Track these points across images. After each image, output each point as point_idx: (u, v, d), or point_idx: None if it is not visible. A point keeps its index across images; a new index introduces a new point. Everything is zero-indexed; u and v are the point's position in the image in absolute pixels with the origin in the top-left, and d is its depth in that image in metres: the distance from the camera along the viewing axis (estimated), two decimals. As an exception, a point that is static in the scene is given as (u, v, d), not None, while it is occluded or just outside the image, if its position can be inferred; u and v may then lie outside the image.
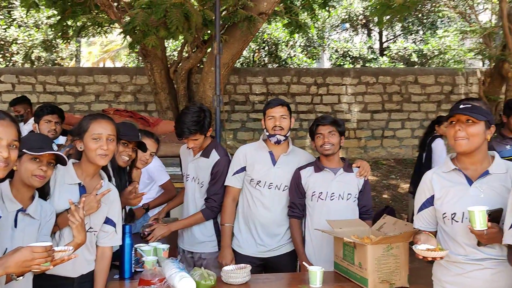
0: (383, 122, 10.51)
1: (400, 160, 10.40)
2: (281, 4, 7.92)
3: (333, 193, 2.90)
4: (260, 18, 6.86)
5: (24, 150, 1.95)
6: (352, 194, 2.93)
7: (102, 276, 2.34)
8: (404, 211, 7.60)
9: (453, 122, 2.09)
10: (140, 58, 9.71)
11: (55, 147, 2.07)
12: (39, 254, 1.66)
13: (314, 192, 2.92)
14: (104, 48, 19.04)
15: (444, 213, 2.13)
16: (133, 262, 2.65)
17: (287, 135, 3.02)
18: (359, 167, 3.00)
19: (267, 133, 3.03)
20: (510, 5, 8.75)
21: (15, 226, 1.97)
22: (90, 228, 2.29)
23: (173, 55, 13.11)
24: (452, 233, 2.12)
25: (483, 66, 13.72)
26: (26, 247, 1.67)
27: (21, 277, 1.74)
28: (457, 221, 2.09)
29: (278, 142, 2.99)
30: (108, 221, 2.36)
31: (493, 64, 9.34)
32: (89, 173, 2.32)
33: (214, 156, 3.16)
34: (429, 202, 2.20)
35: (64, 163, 2.11)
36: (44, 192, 2.16)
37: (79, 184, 2.28)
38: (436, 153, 5.66)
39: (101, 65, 19.38)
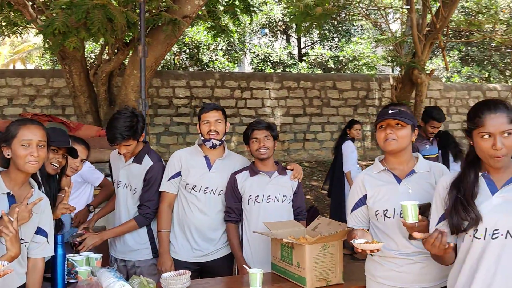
0: (304, 126, 10.85)
1: (321, 162, 10.78)
2: (204, 8, 7.93)
3: (269, 196, 2.96)
4: (184, 22, 6.82)
5: None
6: (287, 196, 3.01)
7: (35, 289, 2.22)
8: (326, 210, 7.89)
9: (383, 127, 2.25)
10: (56, 60, 9.26)
11: None
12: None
13: (250, 195, 2.96)
14: (15, 49, 17.89)
15: (377, 210, 2.27)
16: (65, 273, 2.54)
17: (223, 139, 3.04)
18: (292, 169, 3.09)
19: (202, 138, 3.02)
20: (419, 16, 9.41)
21: None
22: (21, 239, 2.16)
23: (90, 57, 12.65)
24: (384, 229, 2.26)
25: (393, 72, 14.61)
26: None
27: None
28: (389, 217, 2.24)
29: (213, 146, 3.00)
30: (39, 231, 2.24)
31: (404, 70, 9.98)
32: (18, 181, 2.19)
33: (147, 161, 3.10)
34: (362, 201, 2.34)
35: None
36: None
37: (8, 193, 2.15)
38: (345, 154, 6.08)
39: (11, 67, 18.22)
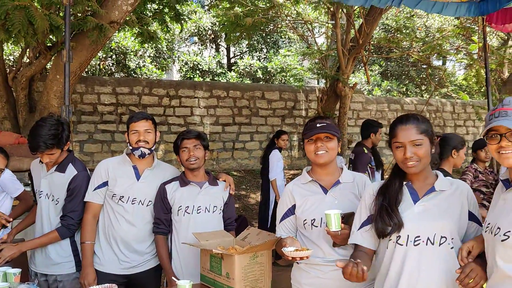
0: (233, 135, 10.92)
1: (249, 171, 10.89)
2: (132, 14, 7.78)
3: (199, 207, 2.94)
4: (111, 27, 6.65)
5: None
6: (217, 206, 3.00)
7: None
8: (254, 219, 7.98)
9: (312, 140, 2.33)
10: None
11: None
12: None
13: (180, 206, 2.92)
14: None
15: (305, 220, 2.35)
16: (-21, 291, 2.38)
17: (152, 148, 2.99)
18: (225, 181, 3.10)
19: (131, 147, 2.96)
20: (343, 31, 9.83)
21: None
22: None
23: (8, 59, 11.97)
24: (311, 237, 2.34)
25: (318, 84, 15.10)
26: None
27: None
28: (317, 226, 2.33)
29: (142, 155, 2.94)
30: None
31: (329, 83, 10.36)
32: None
33: (71, 170, 2.99)
34: (291, 211, 2.41)
35: None
36: None
37: None
38: (271, 162, 6.30)
39: None
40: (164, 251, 2.93)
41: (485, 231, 1.88)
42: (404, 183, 2.10)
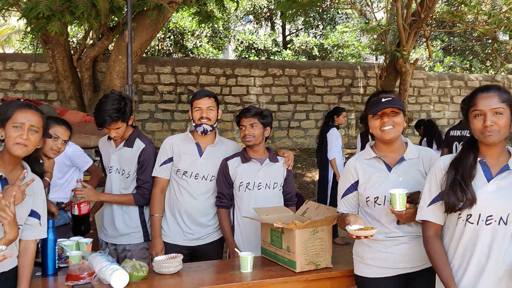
0: (289, 113, 10.90)
1: (305, 149, 10.86)
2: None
3: (260, 183, 2.98)
4: (169, 7, 6.76)
5: None
6: (278, 183, 3.04)
7: (27, 272, 2.21)
8: (310, 197, 7.98)
9: (378, 115, 2.28)
10: (38, 44, 9.10)
11: None
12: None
13: (241, 182, 2.98)
14: (-7, 32, 17.49)
15: (368, 197, 2.32)
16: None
17: (214, 125, 3.05)
18: (284, 156, 3.12)
19: (194, 124, 3.03)
20: (403, 5, 9.48)
21: None
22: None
23: (72, 41, 12.46)
24: (374, 214, 2.32)
25: (377, 61, 14.71)
26: None
27: None
28: (380, 204, 2.29)
29: (204, 132, 3.01)
30: (32, 213, 2.23)
31: (389, 59, 10.06)
32: (10, 164, 2.17)
33: (139, 144, 3.11)
34: (354, 187, 2.38)
35: None
36: None
37: (0, 176, 2.14)
38: (330, 141, 6.15)
39: (-11, 51, 17.83)
40: (227, 224, 3.00)
41: None
42: (478, 159, 2.02)
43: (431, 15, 9.28)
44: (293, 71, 10.95)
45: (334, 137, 6.17)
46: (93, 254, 2.50)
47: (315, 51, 15.79)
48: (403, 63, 9.36)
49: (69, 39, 11.66)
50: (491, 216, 1.92)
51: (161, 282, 2.36)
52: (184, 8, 10.64)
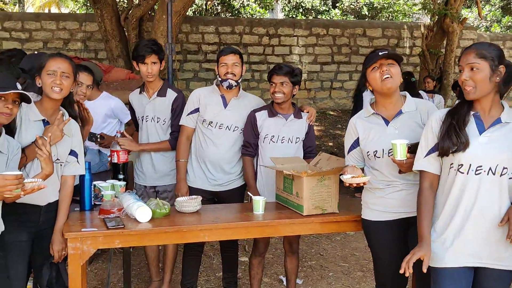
0: (332, 74, 10.88)
1: (346, 110, 10.85)
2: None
3: (283, 137, 3.20)
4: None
5: None
6: (300, 138, 3.25)
7: (65, 203, 2.56)
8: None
9: (376, 68, 2.40)
10: (89, 4, 9.48)
11: (19, 86, 2.22)
12: (10, 181, 1.86)
13: (267, 135, 3.20)
14: (50, -8, 18.18)
15: (368, 151, 2.50)
16: (92, 197, 2.87)
17: (239, 81, 3.25)
18: (308, 112, 3.30)
19: (220, 79, 3.24)
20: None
21: (-17, 159, 2.14)
22: (57, 159, 2.48)
23: (122, 1, 12.81)
24: (376, 166, 2.49)
25: (431, 20, 14.23)
26: None
27: None
28: (379, 157, 2.46)
29: (230, 86, 3.22)
30: (71, 152, 2.56)
31: (436, 18, 9.77)
32: (50, 109, 2.48)
33: (171, 94, 3.40)
34: (356, 143, 2.56)
35: (28, 101, 2.26)
36: (10, 129, 2.32)
37: (43, 120, 2.45)
38: (366, 101, 6.19)
39: (46, 11, 18.57)
40: (250, 171, 3.25)
41: None
42: (472, 113, 2.13)
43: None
44: (337, 31, 10.85)
45: (369, 98, 6.24)
46: (123, 193, 2.82)
47: (365, 11, 15.44)
48: (450, 22, 9.10)
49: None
50: (480, 166, 2.04)
51: (181, 218, 2.65)
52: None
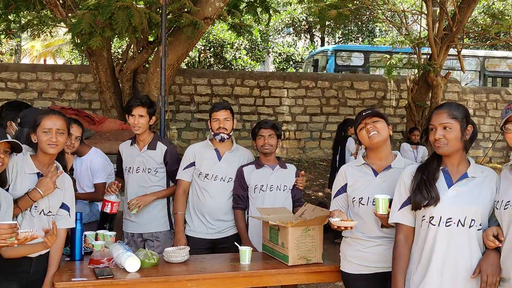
0: (321, 125, 11.12)
1: (336, 160, 11.02)
2: (224, 9, 8.26)
3: (271, 185, 3.38)
4: (204, 23, 7.17)
5: None
6: (287, 186, 3.43)
7: (57, 255, 2.61)
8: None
9: (363, 127, 2.58)
10: (85, 55, 9.76)
11: (9, 137, 2.33)
12: (5, 230, 1.94)
13: (256, 185, 3.38)
14: (46, 42, 18.63)
15: (354, 198, 2.62)
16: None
17: (230, 134, 3.45)
18: (300, 176, 3.52)
19: (213, 133, 3.42)
20: (435, 19, 9.57)
21: (-23, 209, 2.22)
22: (49, 212, 2.56)
23: (117, 52, 13.16)
24: (359, 213, 2.60)
25: (416, 74, 14.66)
26: None
27: None
28: (363, 204, 2.59)
29: (222, 140, 3.42)
30: (63, 205, 2.64)
31: (421, 73, 10.14)
32: (45, 163, 2.58)
33: (161, 147, 3.56)
34: (343, 189, 2.70)
35: (19, 150, 2.37)
36: (1, 181, 2.41)
37: (38, 173, 2.55)
38: (349, 150, 6.43)
39: (41, 61, 18.98)
40: (242, 224, 3.39)
41: (505, 208, 2.03)
42: (440, 168, 2.27)
43: (463, 29, 9.32)
44: (326, 83, 11.19)
45: (353, 146, 6.46)
46: (113, 244, 2.88)
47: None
48: (435, 76, 9.44)
49: (114, 50, 12.38)
50: (450, 218, 2.18)
51: (169, 269, 2.72)
52: (221, 22, 11.11)
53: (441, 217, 2.19)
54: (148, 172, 3.54)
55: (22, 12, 8.71)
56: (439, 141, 2.21)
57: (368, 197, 2.57)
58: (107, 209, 3.37)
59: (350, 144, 6.52)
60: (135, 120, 3.44)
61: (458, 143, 2.22)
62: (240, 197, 3.40)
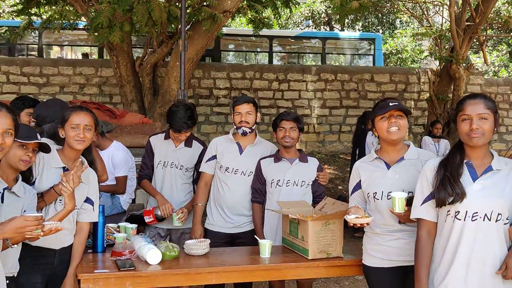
0: (340, 118, 11.05)
1: (355, 153, 10.94)
2: (244, 2, 8.24)
3: (288, 181, 3.32)
4: (223, 17, 7.17)
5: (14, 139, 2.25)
6: (305, 181, 3.35)
7: (80, 248, 2.66)
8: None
9: (385, 117, 2.52)
10: (105, 49, 9.86)
11: (39, 137, 2.38)
12: (31, 222, 1.97)
13: (273, 179, 3.33)
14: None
15: (368, 193, 2.59)
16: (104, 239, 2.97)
17: (253, 127, 3.42)
18: (323, 173, 3.42)
19: (235, 126, 3.42)
20: (458, 10, 9.40)
21: (2, 202, 2.26)
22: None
23: (139, 45, 13.23)
24: (375, 208, 2.58)
25: (438, 66, 14.47)
26: (20, 216, 1.99)
27: (15, 245, 2.08)
28: (378, 199, 2.55)
29: (244, 133, 3.39)
30: (87, 199, 2.69)
31: (443, 64, 9.98)
32: (71, 157, 2.63)
33: (197, 145, 3.64)
34: (358, 185, 2.67)
35: (47, 150, 2.42)
36: (25, 177, 2.47)
37: (64, 167, 2.60)
38: (369, 145, 6.33)
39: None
40: (258, 217, 3.36)
41: None
42: (464, 161, 2.23)
43: (486, 20, 9.13)
44: (346, 76, 11.10)
45: (372, 140, 6.35)
46: (135, 236, 2.91)
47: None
48: (457, 68, 9.29)
49: (134, 42, 12.45)
50: (476, 213, 2.13)
51: (190, 261, 2.74)
52: (240, 15, 11.09)
53: (466, 212, 2.14)
54: (180, 169, 3.60)
55: (43, 7, 8.84)
56: (475, 131, 2.14)
57: (382, 191, 2.54)
58: (149, 220, 3.47)
59: (370, 139, 6.41)
60: (181, 137, 3.50)
61: (491, 134, 2.17)
62: (258, 191, 3.37)
